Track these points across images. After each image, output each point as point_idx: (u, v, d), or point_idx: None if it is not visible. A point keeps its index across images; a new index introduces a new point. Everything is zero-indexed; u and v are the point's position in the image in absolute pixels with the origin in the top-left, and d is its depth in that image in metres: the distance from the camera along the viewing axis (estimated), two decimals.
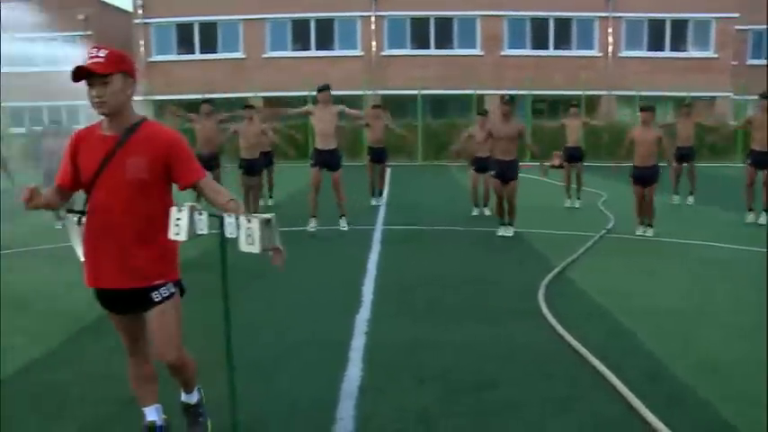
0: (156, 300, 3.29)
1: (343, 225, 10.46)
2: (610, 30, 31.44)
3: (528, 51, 31.66)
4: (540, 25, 31.78)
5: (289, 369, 4.89)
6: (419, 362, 5.03)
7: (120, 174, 3.15)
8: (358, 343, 5.43)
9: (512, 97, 10.34)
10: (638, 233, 10.28)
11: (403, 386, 4.56)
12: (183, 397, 3.71)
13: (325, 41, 32.20)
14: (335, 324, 5.97)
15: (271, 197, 14.63)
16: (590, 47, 31.85)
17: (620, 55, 31.62)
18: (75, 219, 3.37)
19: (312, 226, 10.38)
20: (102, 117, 3.20)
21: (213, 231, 3.20)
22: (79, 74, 3.06)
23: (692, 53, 31.66)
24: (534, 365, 4.96)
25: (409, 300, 6.82)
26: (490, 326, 5.93)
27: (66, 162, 3.26)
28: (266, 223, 2.99)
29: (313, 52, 32.06)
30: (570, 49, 31.89)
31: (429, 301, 6.79)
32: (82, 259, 3.37)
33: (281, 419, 4.05)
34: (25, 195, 3.07)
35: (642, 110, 10.45)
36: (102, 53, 3.09)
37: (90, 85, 3.09)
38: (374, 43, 31.76)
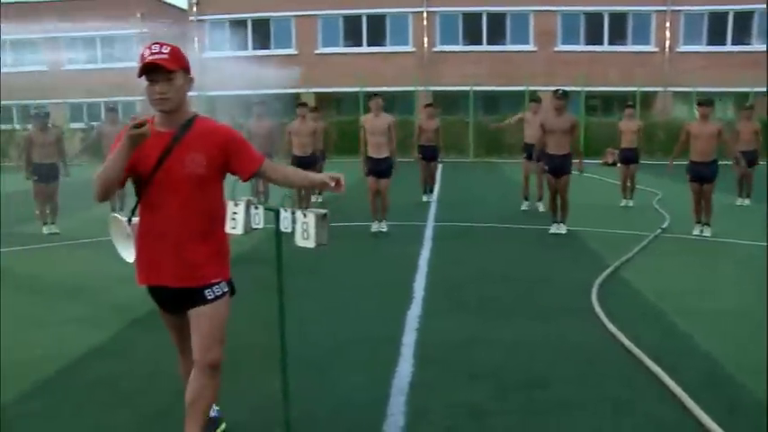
0: (210, 298, 3.23)
1: (383, 227, 10.51)
2: (667, 24, 30.73)
3: (582, 47, 31.18)
4: (594, 20, 31.25)
5: (340, 364, 4.93)
6: (470, 358, 5.03)
7: (179, 169, 3.12)
8: (409, 339, 5.43)
9: (565, 92, 10.19)
10: (694, 233, 10.05)
11: (454, 383, 4.56)
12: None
13: (376, 37, 32.24)
14: (387, 320, 5.99)
15: (319, 194, 14.66)
16: (646, 42, 31.20)
17: (678, 50, 30.88)
18: (125, 218, 3.34)
19: (375, 227, 10.47)
20: (157, 113, 3.16)
21: (268, 226, 3.23)
22: (145, 69, 3.04)
23: (757, 47, 30.67)
24: (586, 365, 4.91)
25: (460, 296, 6.81)
26: (542, 324, 5.88)
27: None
28: (322, 218, 3.00)
29: (365, 48, 32.16)
30: (625, 44, 31.29)
31: (480, 297, 6.77)
32: (129, 260, 3.32)
33: (333, 415, 4.08)
34: (139, 120, 2.97)
35: (700, 104, 10.14)
36: (166, 49, 3.06)
37: (153, 81, 3.06)
38: (426, 39, 31.68)
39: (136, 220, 3.31)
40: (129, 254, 3.34)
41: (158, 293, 3.33)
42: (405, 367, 4.81)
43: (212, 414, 3.61)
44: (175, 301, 3.30)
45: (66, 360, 5.06)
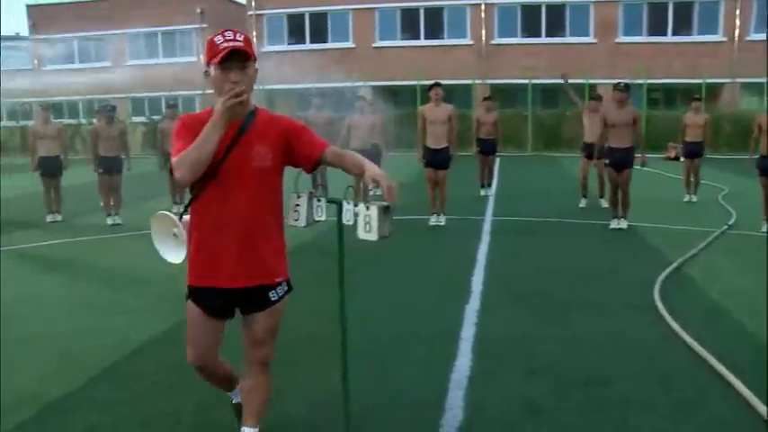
0: (273, 299, 3.14)
1: (441, 221, 10.51)
2: (737, 12, 29.63)
3: (644, 38, 30.40)
4: (658, 10, 30.40)
5: (399, 358, 4.94)
6: (529, 354, 4.99)
7: (246, 162, 2.98)
8: (467, 333, 5.43)
9: (627, 84, 10.01)
10: (763, 230, 9.72)
11: (513, 378, 4.53)
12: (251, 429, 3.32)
13: (434, 30, 32.09)
14: (445, 314, 5.98)
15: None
16: (713, 31, 30.17)
17: (748, 39, 29.72)
18: (176, 215, 3.16)
19: (433, 221, 10.48)
20: (216, 104, 2.91)
21: (330, 218, 3.24)
22: (225, 55, 2.89)
23: None
24: (648, 363, 4.82)
25: (519, 291, 6.76)
26: (602, 320, 5.80)
27: (186, 146, 2.90)
28: (385, 211, 2.96)
29: (422, 41, 32.05)
30: (691, 34, 30.37)
31: (539, 292, 6.70)
32: (176, 261, 3.16)
33: (392, 409, 4.08)
34: (237, 89, 2.85)
35: None
36: (240, 36, 2.94)
37: (227, 69, 2.90)
38: (484, 32, 31.41)
39: (186, 218, 3.12)
40: (175, 254, 3.16)
41: (209, 295, 3.11)
42: (463, 362, 4.80)
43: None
44: (228, 303, 3.14)
45: (129, 348, 5.22)
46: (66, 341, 5.42)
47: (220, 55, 2.88)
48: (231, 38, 2.91)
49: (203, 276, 3.09)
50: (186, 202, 3.17)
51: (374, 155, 12.18)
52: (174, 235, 3.13)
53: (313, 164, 3.09)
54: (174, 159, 2.88)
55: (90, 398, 4.31)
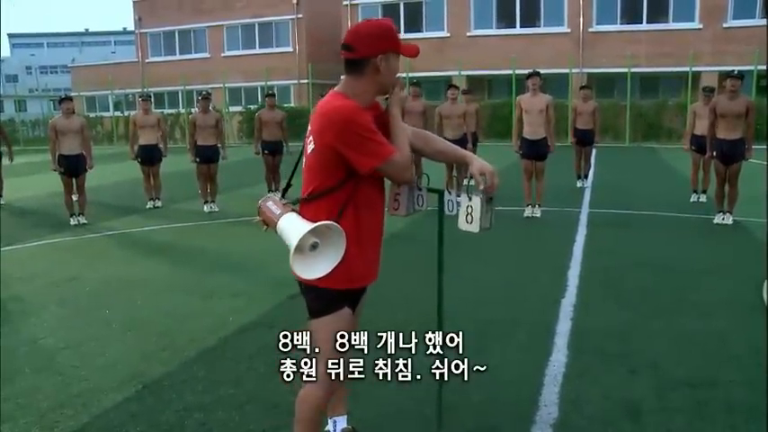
0: None
1: (536, 213, 10.31)
2: None
3: (756, 21, 28.68)
4: None
5: (492, 351, 4.84)
6: (627, 351, 4.81)
7: None
8: (563, 328, 5.29)
9: (741, 73, 9.54)
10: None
11: (611, 376, 4.38)
12: (344, 423, 3.35)
13: (530, 18, 31.42)
14: (540, 307, 5.86)
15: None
16: None
17: None
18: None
19: (528, 212, 10.34)
20: (394, 96, 2.87)
21: (430, 208, 3.16)
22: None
23: None
24: (757, 367, 4.55)
25: (617, 286, 6.55)
26: (705, 319, 5.54)
27: (385, 141, 2.75)
28: (488, 202, 2.88)
29: (518, 30, 31.45)
30: None
31: (638, 288, 6.47)
32: (323, 273, 2.66)
33: (485, 400, 4.00)
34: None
35: None
36: None
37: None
38: (581, 19, 30.54)
39: (324, 222, 2.68)
40: (321, 266, 2.66)
41: (358, 293, 3.00)
42: (558, 357, 4.68)
43: None
44: (359, 293, 3.03)
45: (226, 331, 5.34)
46: (165, 323, 5.59)
47: (410, 48, 2.81)
48: None
49: (361, 277, 2.91)
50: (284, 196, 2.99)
51: (463, 144, 12.04)
52: (313, 246, 2.63)
53: None
54: (401, 159, 2.73)
55: (187, 379, 4.42)
